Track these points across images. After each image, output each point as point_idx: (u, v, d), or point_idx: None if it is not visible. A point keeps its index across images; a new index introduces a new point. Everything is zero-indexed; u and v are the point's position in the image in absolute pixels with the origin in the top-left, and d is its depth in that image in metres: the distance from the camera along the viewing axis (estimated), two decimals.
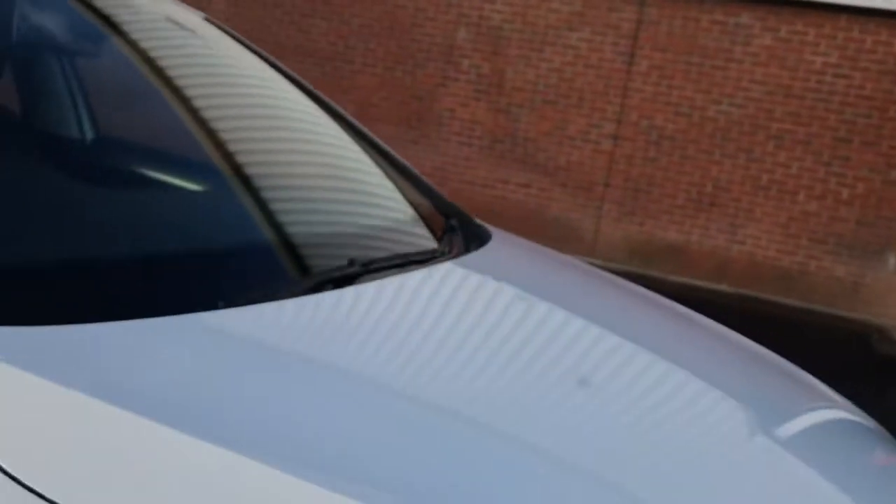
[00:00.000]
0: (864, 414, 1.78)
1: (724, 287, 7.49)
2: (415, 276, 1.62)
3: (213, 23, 2.21)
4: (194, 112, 1.95)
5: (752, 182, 7.45)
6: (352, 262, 1.52)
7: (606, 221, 7.95)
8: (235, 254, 1.61)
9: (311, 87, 2.18)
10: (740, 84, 7.40)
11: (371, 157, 2.04)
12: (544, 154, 8.07)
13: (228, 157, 1.94)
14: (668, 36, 7.54)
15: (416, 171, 2.01)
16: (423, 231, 1.86)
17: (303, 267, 1.75)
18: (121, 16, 1.94)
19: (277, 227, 1.81)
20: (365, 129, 2.08)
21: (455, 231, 1.86)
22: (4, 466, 0.93)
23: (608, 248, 7.93)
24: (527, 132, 8.10)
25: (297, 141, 2.10)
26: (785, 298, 7.31)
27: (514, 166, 8.17)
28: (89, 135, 1.89)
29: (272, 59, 2.19)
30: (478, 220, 1.89)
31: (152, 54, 1.95)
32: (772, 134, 7.35)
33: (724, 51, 7.40)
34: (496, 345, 1.47)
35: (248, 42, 2.22)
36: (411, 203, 1.94)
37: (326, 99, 2.16)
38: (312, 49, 8.68)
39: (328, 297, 1.47)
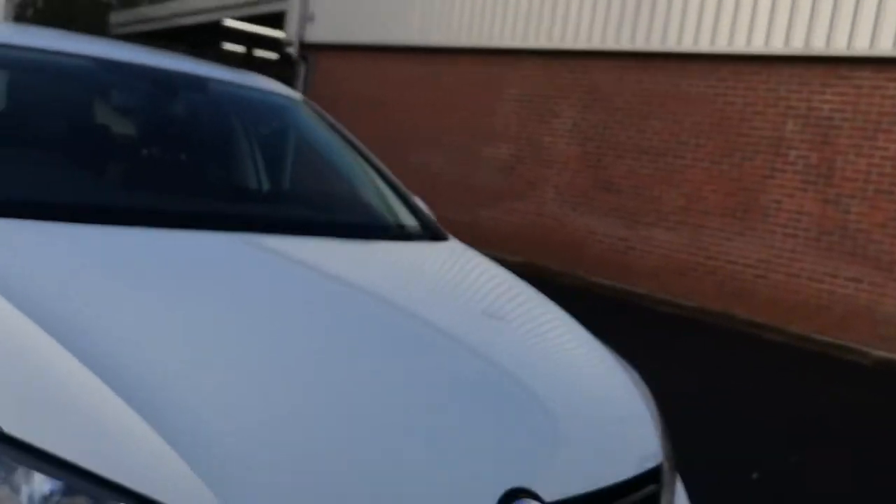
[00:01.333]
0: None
1: None
2: (396, 245, 2.64)
3: (311, 106, 3.11)
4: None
5: None
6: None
7: None
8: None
9: (355, 139, 3.01)
10: None
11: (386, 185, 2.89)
12: (877, 247, 7.55)
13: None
14: None
15: (417, 200, 2.78)
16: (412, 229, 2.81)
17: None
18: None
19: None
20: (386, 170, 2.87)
21: (427, 230, 2.82)
22: None
23: None
24: (858, 223, 7.68)
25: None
26: None
27: (844, 259, 7.76)
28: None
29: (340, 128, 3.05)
30: (443, 230, 2.80)
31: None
32: None
33: None
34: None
35: (330, 120, 3.07)
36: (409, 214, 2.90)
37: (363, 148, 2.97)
38: (647, 146, 9.24)
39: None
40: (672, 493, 1.89)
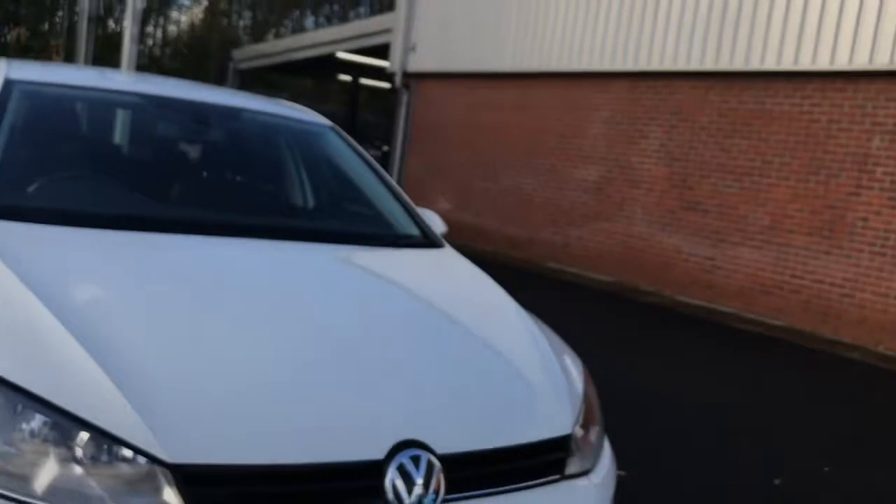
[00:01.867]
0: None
1: None
2: (393, 251, 3.06)
3: (337, 132, 3.51)
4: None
5: None
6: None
7: None
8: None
9: (365, 153, 3.41)
10: None
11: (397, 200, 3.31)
12: None
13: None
14: None
15: (427, 212, 3.18)
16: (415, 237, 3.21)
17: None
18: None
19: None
20: (398, 188, 3.24)
21: (427, 239, 3.22)
22: None
23: None
24: None
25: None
26: None
27: None
28: None
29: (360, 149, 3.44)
30: (442, 240, 3.19)
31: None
32: None
33: None
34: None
35: (353, 145, 3.46)
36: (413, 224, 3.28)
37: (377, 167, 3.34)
38: (732, 166, 9.24)
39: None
40: (591, 460, 2.14)
